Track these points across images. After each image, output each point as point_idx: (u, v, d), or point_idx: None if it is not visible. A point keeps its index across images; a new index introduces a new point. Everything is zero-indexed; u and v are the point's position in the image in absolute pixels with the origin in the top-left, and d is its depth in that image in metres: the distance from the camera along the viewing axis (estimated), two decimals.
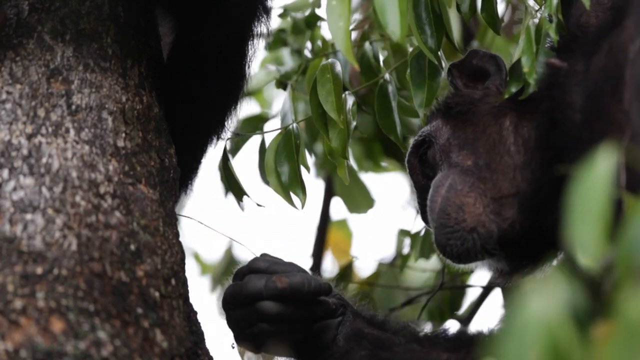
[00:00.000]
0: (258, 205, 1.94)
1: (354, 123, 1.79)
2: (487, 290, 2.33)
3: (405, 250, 2.42)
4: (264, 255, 1.74)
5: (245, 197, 1.96)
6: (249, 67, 1.89)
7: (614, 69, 1.42)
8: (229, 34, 1.82)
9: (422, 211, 1.77)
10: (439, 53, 1.71)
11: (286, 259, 1.74)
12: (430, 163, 1.74)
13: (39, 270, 1.40)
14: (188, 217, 1.91)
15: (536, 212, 1.58)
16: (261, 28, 1.86)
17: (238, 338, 1.73)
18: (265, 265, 1.69)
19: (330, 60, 1.80)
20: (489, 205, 1.60)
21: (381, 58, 2.17)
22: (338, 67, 1.77)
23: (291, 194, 1.84)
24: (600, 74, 1.46)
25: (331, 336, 1.72)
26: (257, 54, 1.89)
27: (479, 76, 1.75)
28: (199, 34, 1.82)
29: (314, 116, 1.78)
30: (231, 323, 1.72)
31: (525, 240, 1.62)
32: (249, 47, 1.87)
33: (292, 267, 1.71)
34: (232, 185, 1.96)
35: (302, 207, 1.84)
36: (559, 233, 1.53)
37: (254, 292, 1.67)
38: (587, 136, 1.43)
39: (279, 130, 1.89)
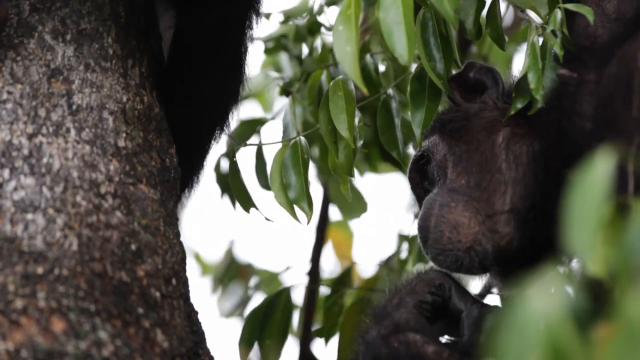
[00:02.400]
0: (267, 219, 1.94)
1: (361, 141, 1.78)
2: (484, 292, 2.32)
3: (403, 254, 2.42)
4: None
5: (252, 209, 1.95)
6: (246, 62, 1.89)
7: (626, 77, 1.42)
8: (224, 27, 1.83)
9: None
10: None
11: None
12: (430, 178, 1.73)
13: (40, 270, 1.40)
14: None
15: (533, 226, 1.58)
16: (256, 22, 1.86)
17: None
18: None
19: (341, 77, 1.78)
20: (484, 222, 1.60)
21: (382, 68, 2.17)
22: (351, 85, 1.76)
23: (296, 207, 1.83)
24: (612, 83, 1.46)
25: None
26: (255, 54, 1.89)
27: (477, 89, 1.73)
28: (195, 28, 1.82)
29: (324, 132, 1.76)
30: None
31: (523, 255, 1.61)
32: (246, 40, 1.87)
33: None
34: (240, 196, 1.95)
35: (308, 222, 1.83)
36: (555, 244, 1.53)
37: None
38: (598, 144, 1.43)
39: (283, 142, 1.88)
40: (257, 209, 1.94)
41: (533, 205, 1.58)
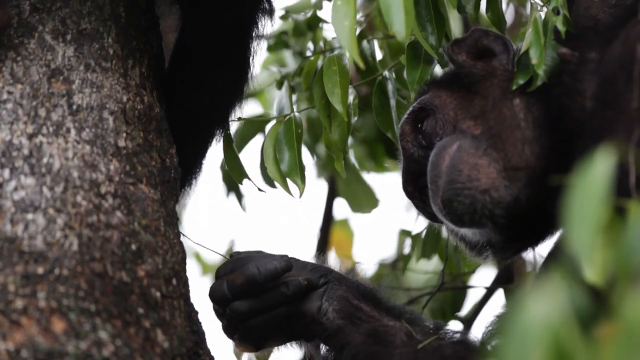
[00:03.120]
0: (259, 190, 1.94)
1: (355, 118, 1.79)
2: (490, 292, 2.32)
3: (406, 250, 2.42)
4: (234, 254, 1.76)
5: (246, 182, 1.95)
6: (251, 62, 1.89)
7: (629, 58, 1.42)
8: (233, 23, 1.82)
9: (406, 179, 1.76)
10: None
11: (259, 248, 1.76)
12: (427, 132, 1.72)
13: (40, 270, 1.40)
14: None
15: (542, 190, 1.56)
16: (265, 18, 1.86)
17: (236, 342, 1.75)
18: (227, 269, 1.72)
19: (336, 52, 1.80)
20: (501, 171, 1.59)
21: (379, 57, 2.17)
22: (345, 60, 1.78)
23: (289, 182, 1.85)
24: (615, 63, 1.47)
25: (316, 307, 1.72)
26: (260, 52, 1.89)
27: (482, 55, 1.73)
28: (195, 28, 1.82)
29: (318, 106, 1.79)
30: (225, 331, 1.76)
31: (526, 218, 1.60)
32: (253, 36, 1.87)
33: (249, 259, 1.71)
34: (233, 168, 1.95)
35: (301, 195, 1.84)
36: (557, 216, 1.54)
37: (220, 298, 1.71)
38: (598, 123, 1.44)
39: (278, 118, 1.90)
40: (250, 179, 1.94)
41: (544, 167, 1.58)
